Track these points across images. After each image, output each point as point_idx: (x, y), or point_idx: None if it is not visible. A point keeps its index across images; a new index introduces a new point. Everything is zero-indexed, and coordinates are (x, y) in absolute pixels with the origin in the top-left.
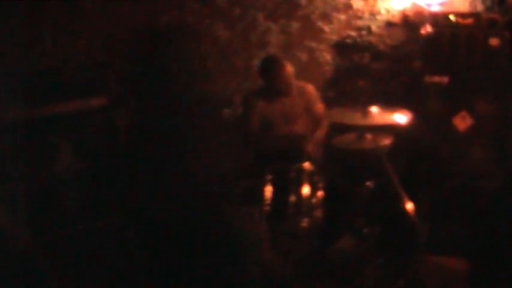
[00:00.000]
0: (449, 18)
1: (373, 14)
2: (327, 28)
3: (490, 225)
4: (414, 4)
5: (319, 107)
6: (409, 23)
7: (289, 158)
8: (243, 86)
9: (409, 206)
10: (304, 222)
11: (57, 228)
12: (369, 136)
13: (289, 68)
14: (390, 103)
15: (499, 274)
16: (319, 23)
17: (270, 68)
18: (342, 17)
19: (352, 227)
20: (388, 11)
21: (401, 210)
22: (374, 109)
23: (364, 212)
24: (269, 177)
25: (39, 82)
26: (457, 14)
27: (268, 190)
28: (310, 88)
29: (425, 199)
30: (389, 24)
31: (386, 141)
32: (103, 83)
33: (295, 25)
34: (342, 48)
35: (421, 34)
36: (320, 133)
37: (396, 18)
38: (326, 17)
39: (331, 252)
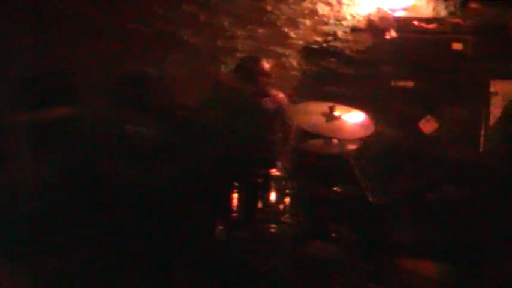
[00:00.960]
0: (413, 23)
1: (339, 20)
2: (293, 34)
3: (460, 228)
4: (379, 10)
5: (288, 115)
6: (374, 28)
7: (257, 164)
8: (211, 91)
9: (379, 209)
10: (273, 228)
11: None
12: (336, 141)
13: (267, 66)
14: (357, 107)
15: (470, 277)
16: (286, 29)
17: (251, 66)
18: (308, 22)
19: (323, 231)
20: (353, 17)
21: (371, 214)
22: (338, 113)
23: (335, 217)
24: (236, 183)
25: (8, 91)
26: (421, 19)
27: (236, 196)
28: (282, 96)
29: (395, 202)
30: (354, 29)
31: (354, 146)
32: (72, 92)
33: (261, 31)
34: (308, 53)
35: (386, 39)
36: (288, 139)
37: (361, 24)
38: (292, 23)
39: (303, 257)
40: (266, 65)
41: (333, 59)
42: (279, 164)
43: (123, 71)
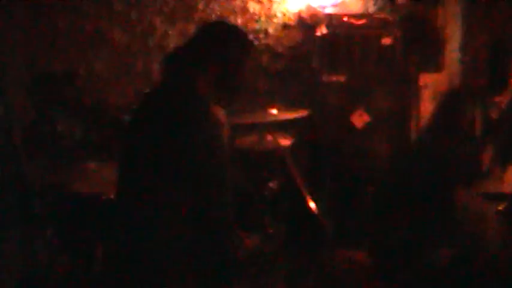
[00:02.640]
0: (343, 20)
1: (270, 17)
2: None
3: (391, 218)
4: (309, 6)
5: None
6: (305, 24)
7: None
8: (142, 91)
9: (313, 203)
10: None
11: None
12: (269, 137)
13: None
14: (290, 103)
15: (398, 263)
16: None
17: None
18: (239, 20)
19: (259, 227)
20: (284, 14)
21: (305, 208)
22: (274, 110)
23: (270, 212)
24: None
25: None
26: (350, 15)
27: None
28: None
29: (329, 196)
30: (285, 26)
31: (288, 142)
32: None
33: (193, 28)
34: None
35: (317, 35)
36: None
37: (292, 21)
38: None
39: (239, 252)
40: None
41: (264, 56)
42: None
43: (51, 69)
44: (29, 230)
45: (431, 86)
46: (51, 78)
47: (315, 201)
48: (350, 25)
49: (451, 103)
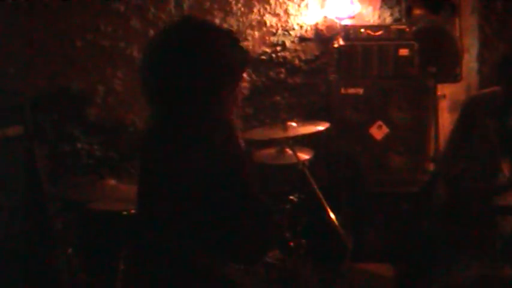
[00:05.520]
0: (360, 31)
1: (287, 30)
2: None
3: (410, 231)
4: (326, 19)
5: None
6: (322, 37)
7: None
8: None
9: (333, 216)
10: None
11: None
12: (289, 151)
13: None
14: (308, 116)
15: (421, 277)
16: None
17: None
18: (256, 34)
19: (279, 241)
20: (301, 27)
21: (326, 221)
22: (293, 123)
23: (290, 226)
24: None
25: None
26: (367, 27)
27: None
28: None
29: (349, 208)
30: (302, 39)
31: (307, 155)
32: (19, 111)
33: None
34: (257, 64)
35: (334, 47)
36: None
37: (309, 33)
38: (240, 35)
39: (260, 266)
40: None
41: (282, 69)
42: None
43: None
44: (51, 248)
45: (449, 97)
46: (70, 97)
47: (335, 214)
48: (367, 37)
49: (469, 113)
